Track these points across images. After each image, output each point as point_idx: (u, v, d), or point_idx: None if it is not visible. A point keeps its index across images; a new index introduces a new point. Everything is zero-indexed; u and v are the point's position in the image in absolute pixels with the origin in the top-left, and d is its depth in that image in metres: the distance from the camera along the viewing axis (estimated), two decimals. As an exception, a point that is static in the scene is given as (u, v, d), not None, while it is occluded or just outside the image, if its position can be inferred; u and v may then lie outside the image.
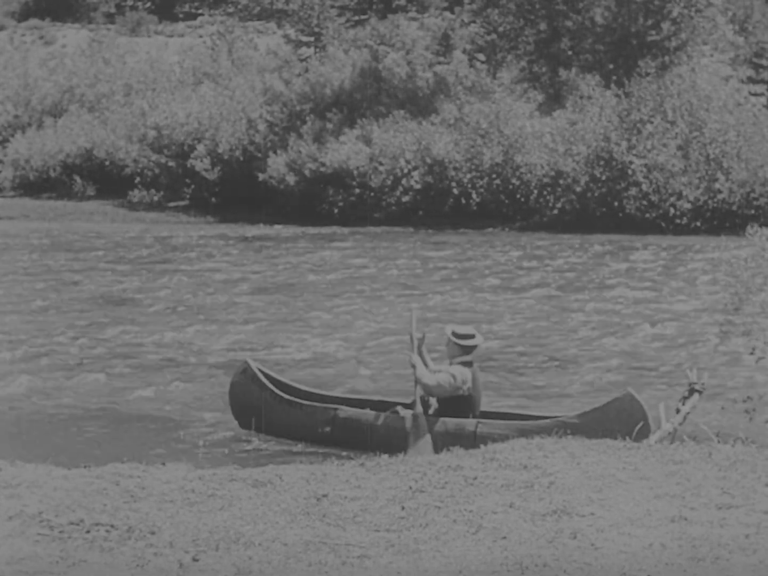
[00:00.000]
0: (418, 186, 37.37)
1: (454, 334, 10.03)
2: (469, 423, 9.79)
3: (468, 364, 9.97)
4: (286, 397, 10.69)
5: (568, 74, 40.46)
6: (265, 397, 10.73)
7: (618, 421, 9.28)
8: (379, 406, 10.59)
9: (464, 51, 43.41)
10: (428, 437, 9.70)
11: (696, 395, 9.61)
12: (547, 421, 9.67)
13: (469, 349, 10.00)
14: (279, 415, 10.64)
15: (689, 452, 7.56)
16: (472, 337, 10.04)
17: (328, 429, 10.36)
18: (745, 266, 8.89)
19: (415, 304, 11.00)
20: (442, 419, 9.87)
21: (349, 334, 16.37)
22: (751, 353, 9.11)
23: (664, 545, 5.70)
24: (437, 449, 9.20)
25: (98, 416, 11.59)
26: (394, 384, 12.78)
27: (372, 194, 38.06)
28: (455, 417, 9.88)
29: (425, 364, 10.14)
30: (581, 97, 37.61)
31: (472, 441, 9.38)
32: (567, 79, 40.12)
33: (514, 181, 36.82)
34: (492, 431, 9.59)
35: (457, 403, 9.91)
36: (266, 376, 11.02)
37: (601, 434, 8.85)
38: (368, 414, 10.27)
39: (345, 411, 10.38)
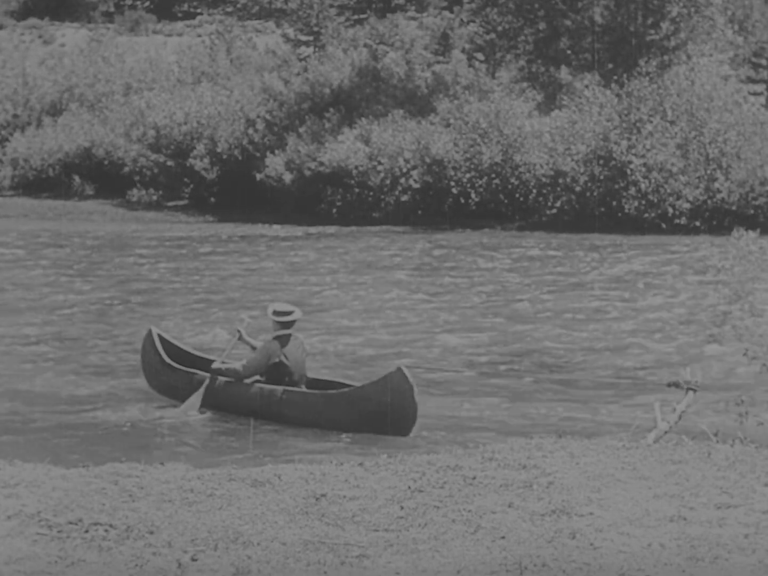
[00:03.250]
0: (417, 185, 37.36)
1: (274, 312, 11.40)
2: (277, 390, 11.16)
3: (286, 336, 11.30)
4: (167, 361, 11.95)
5: (559, 73, 40.44)
6: (155, 360, 12.09)
7: (389, 393, 10.49)
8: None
9: (463, 50, 43.44)
10: (196, 397, 11.35)
11: (690, 394, 9.60)
12: (333, 391, 11.07)
13: (287, 324, 11.38)
14: (163, 378, 12.03)
15: (688, 452, 7.54)
16: (290, 313, 11.41)
17: (189, 391, 11.60)
18: (732, 271, 8.90)
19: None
20: (258, 385, 11.30)
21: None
22: (744, 354, 9.10)
23: (662, 545, 5.69)
24: (254, 413, 11.00)
25: (97, 416, 11.58)
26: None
27: (371, 193, 38.06)
28: (272, 382, 11.23)
29: (253, 347, 11.79)
30: (579, 97, 37.60)
31: (278, 405, 11.06)
32: (565, 78, 40.11)
33: (513, 180, 36.80)
34: (291, 398, 11.05)
35: (271, 371, 11.27)
36: (164, 342, 12.19)
37: (376, 405, 10.52)
38: (205, 377, 11.60)
39: (200, 375, 11.66)
